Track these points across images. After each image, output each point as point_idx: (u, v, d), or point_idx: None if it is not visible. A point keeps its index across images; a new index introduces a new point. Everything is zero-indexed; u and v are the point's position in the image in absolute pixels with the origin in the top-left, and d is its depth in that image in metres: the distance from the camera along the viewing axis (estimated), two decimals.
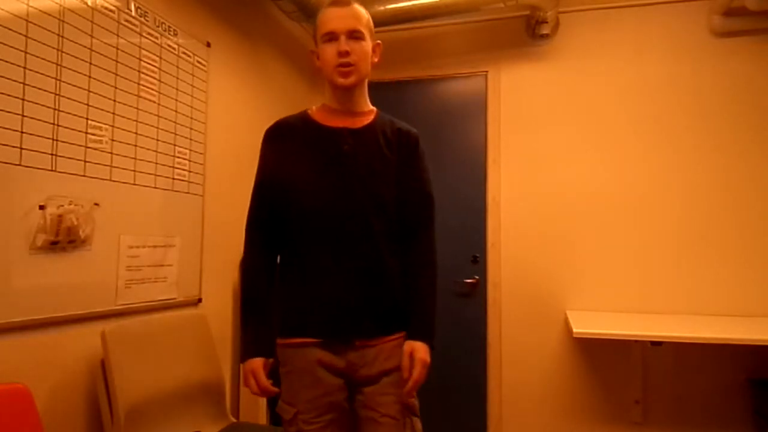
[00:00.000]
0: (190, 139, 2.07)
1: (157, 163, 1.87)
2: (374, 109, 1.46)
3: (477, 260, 2.88)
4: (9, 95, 1.34)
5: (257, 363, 1.28)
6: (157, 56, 1.88)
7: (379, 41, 1.42)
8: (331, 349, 1.30)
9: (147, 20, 1.83)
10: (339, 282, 1.31)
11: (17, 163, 1.36)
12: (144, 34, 1.82)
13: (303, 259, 1.34)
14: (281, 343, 1.34)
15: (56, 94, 1.48)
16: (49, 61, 1.45)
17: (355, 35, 1.33)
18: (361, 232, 1.33)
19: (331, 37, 1.33)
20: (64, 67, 1.50)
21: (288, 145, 1.38)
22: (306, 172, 1.35)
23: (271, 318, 1.34)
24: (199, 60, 2.12)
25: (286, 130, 1.40)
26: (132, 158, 1.76)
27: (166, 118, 1.92)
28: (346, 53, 1.31)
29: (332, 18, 1.33)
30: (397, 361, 1.32)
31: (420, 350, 1.29)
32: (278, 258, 1.40)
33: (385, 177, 1.38)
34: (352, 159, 1.35)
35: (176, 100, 1.98)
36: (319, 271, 1.31)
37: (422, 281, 1.38)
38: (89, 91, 1.59)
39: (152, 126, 1.85)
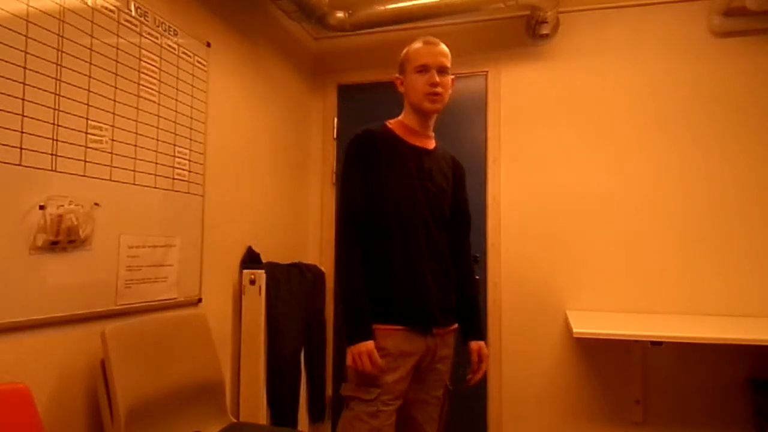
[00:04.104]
0: (190, 139, 2.07)
1: (157, 163, 1.87)
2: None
3: (477, 260, 2.88)
4: (9, 95, 1.34)
5: (371, 344, 1.44)
6: (157, 56, 1.88)
7: (453, 75, 1.63)
8: (413, 336, 1.51)
9: (147, 20, 1.83)
10: (425, 281, 1.53)
11: (17, 163, 1.37)
12: (144, 34, 1.82)
13: (394, 257, 1.52)
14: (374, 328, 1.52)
15: (56, 94, 1.48)
16: (49, 61, 1.45)
17: (443, 70, 1.57)
18: (439, 238, 1.59)
19: (424, 69, 1.56)
20: (64, 67, 1.50)
21: (382, 154, 1.56)
22: (401, 181, 1.55)
23: (369, 306, 1.50)
24: (199, 60, 2.12)
25: (379, 140, 1.58)
26: (132, 158, 1.76)
27: (166, 118, 1.92)
28: (437, 84, 1.55)
29: (425, 53, 1.56)
30: (450, 350, 1.65)
31: (485, 347, 1.69)
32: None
33: (447, 197, 1.65)
34: (428, 175, 1.60)
35: (176, 100, 1.98)
36: (408, 269, 1.52)
37: (476, 292, 1.73)
38: (89, 91, 1.59)
39: (152, 126, 1.86)
